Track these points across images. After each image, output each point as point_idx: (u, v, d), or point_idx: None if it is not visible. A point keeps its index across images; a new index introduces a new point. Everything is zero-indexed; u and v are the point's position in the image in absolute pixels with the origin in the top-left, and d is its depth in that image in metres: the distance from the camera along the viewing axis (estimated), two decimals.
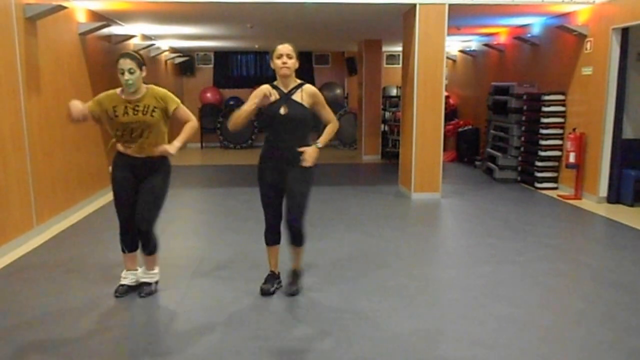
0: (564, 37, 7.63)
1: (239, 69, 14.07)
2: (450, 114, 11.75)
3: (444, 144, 7.65)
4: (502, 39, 10.03)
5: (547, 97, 7.81)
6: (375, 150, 11.37)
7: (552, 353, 3.05)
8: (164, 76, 11.51)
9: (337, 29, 9.39)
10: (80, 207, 6.51)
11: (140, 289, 3.86)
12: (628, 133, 6.87)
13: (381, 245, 5.17)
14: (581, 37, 7.23)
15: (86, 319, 3.48)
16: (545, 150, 7.91)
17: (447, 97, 10.41)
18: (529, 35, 8.74)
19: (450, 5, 6.83)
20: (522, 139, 8.49)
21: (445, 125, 7.61)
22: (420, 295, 3.91)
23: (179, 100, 3.74)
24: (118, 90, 3.63)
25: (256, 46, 12.58)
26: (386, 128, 11.49)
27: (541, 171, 7.96)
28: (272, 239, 3.84)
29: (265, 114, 3.60)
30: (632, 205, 6.70)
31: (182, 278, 4.21)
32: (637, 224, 5.90)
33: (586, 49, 7.17)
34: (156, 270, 3.93)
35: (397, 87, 11.78)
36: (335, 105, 12.33)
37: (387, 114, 11.58)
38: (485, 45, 10.40)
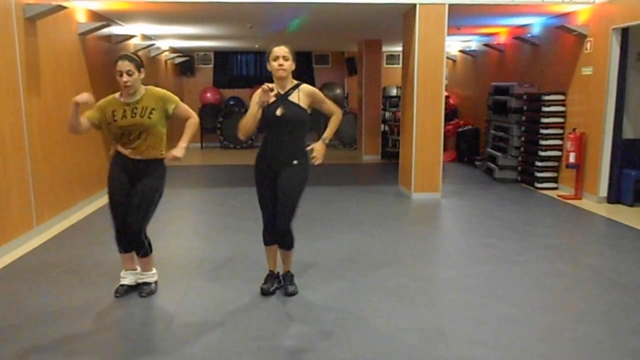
0: (564, 37, 7.63)
1: (239, 69, 14.07)
2: (450, 114, 11.75)
3: (444, 144, 7.65)
4: (502, 39, 10.03)
5: (547, 97, 7.81)
6: (375, 150, 11.37)
7: (552, 353, 3.05)
8: (164, 76, 11.51)
9: (337, 29, 9.39)
10: (80, 207, 6.51)
11: (141, 289, 3.86)
12: (628, 133, 6.88)
13: (381, 245, 5.17)
14: (581, 37, 7.23)
15: (86, 319, 3.48)
16: (545, 150, 7.91)
17: (447, 97, 10.41)
18: (529, 35, 8.74)
19: (450, 5, 6.83)
20: (522, 139, 8.49)
21: (445, 125, 7.61)
22: (420, 295, 3.91)
23: (177, 99, 3.75)
24: (117, 94, 3.65)
25: (256, 46, 12.58)
26: (386, 128, 11.49)
27: (541, 171, 7.96)
28: (270, 238, 3.83)
29: (263, 116, 3.60)
30: (632, 205, 6.70)
31: (182, 278, 4.21)
32: (637, 224, 5.90)
33: (586, 49, 7.17)
34: (154, 271, 3.94)
35: (397, 87, 11.79)
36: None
37: (387, 114, 11.58)
38: (485, 45, 10.40)
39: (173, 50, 12.45)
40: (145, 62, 3.70)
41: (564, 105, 7.74)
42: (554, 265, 4.55)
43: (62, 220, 5.96)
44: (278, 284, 3.94)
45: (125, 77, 3.51)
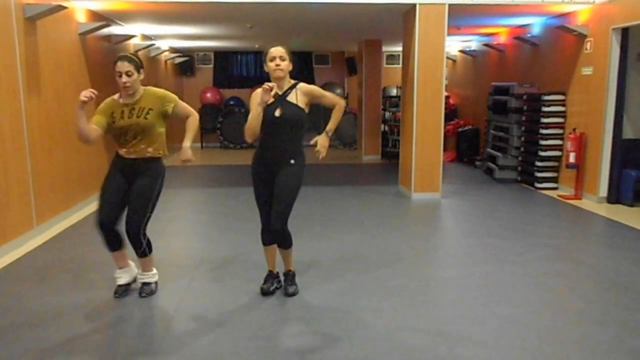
0: (564, 37, 7.63)
1: (239, 69, 14.07)
2: (450, 114, 11.75)
3: (444, 144, 7.65)
4: (502, 39, 10.03)
5: (547, 97, 7.81)
6: (375, 150, 11.38)
7: (552, 353, 3.04)
8: (163, 76, 11.51)
9: (337, 29, 9.39)
10: (80, 207, 6.51)
11: (141, 289, 3.86)
12: (628, 133, 6.88)
13: (381, 245, 5.17)
14: (581, 37, 7.23)
15: (86, 319, 3.48)
16: (545, 150, 7.91)
17: (447, 97, 10.41)
18: (529, 35, 8.74)
19: (450, 5, 6.83)
20: (522, 139, 8.49)
21: (445, 125, 7.61)
22: (420, 295, 3.91)
23: (176, 97, 3.75)
24: (115, 95, 3.66)
25: (256, 46, 12.58)
26: (386, 128, 11.49)
27: (541, 171, 7.96)
28: (268, 238, 3.83)
29: (263, 116, 3.59)
30: (632, 205, 6.70)
31: (182, 278, 4.21)
32: (637, 224, 5.90)
33: (586, 49, 7.17)
34: (154, 271, 3.93)
35: (397, 87, 11.78)
36: None
37: (387, 114, 11.57)
38: (485, 45, 10.40)
39: (173, 50, 12.45)
40: (145, 62, 3.72)
41: (564, 105, 7.74)
42: (554, 265, 4.55)
43: (62, 220, 5.96)
44: (278, 284, 3.94)
45: (124, 78, 3.52)
